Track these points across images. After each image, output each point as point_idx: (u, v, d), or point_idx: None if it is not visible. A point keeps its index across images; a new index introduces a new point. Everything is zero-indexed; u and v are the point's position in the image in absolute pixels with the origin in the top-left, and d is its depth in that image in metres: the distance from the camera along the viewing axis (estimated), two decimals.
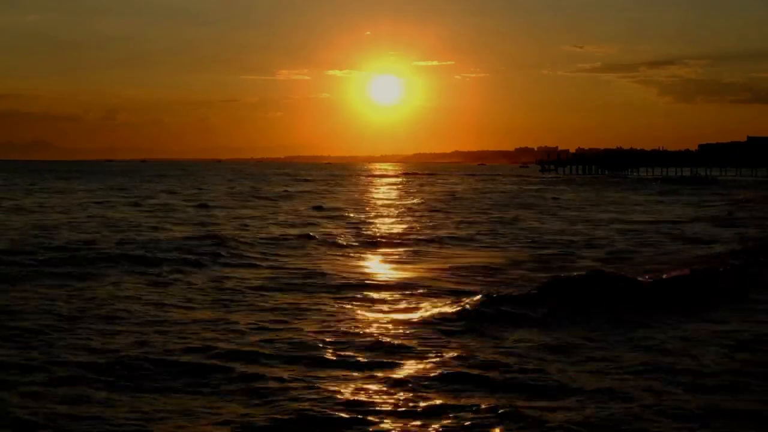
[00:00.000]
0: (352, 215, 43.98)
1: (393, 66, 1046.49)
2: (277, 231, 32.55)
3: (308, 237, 29.87)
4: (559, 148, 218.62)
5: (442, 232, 32.73)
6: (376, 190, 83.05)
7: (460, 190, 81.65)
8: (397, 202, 58.41)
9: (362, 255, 25.54)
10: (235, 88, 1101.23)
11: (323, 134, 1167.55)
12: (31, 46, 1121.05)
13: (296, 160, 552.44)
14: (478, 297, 16.18)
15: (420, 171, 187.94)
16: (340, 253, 25.70)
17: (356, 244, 28.59)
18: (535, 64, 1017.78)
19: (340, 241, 29.03)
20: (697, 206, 51.56)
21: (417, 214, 45.61)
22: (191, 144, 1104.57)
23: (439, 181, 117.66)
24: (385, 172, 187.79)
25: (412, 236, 31.43)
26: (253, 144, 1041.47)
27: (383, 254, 25.76)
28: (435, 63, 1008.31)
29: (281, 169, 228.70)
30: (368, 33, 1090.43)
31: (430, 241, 29.63)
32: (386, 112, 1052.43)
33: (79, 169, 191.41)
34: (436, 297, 17.04)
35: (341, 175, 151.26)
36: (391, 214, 45.68)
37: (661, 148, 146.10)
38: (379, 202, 58.59)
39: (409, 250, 26.63)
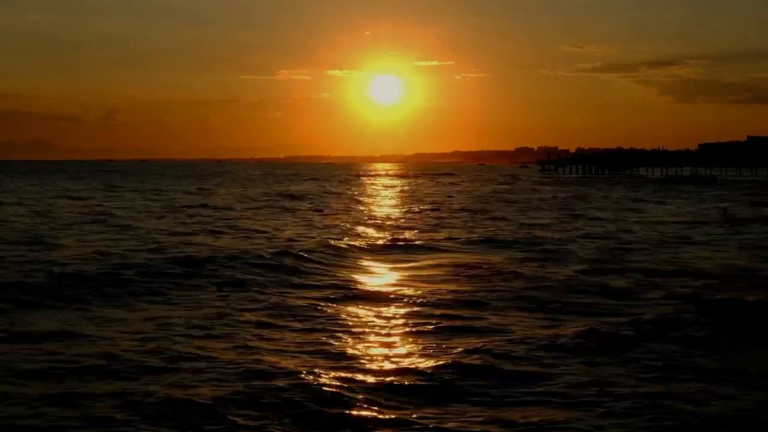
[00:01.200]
0: (425, 217, 42.84)
1: (393, 66, 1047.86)
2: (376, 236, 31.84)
3: (397, 241, 29.23)
4: (559, 148, 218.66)
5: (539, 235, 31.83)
6: (416, 192, 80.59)
7: (497, 191, 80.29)
8: (454, 205, 55.99)
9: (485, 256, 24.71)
10: (235, 88, 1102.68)
11: (323, 134, 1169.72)
12: (31, 46, 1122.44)
13: (296, 160, 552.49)
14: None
15: (434, 171, 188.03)
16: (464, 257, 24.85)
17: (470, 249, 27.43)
18: (535, 64, 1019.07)
19: (445, 246, 28.30)
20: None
21: (486, 216, 43.68)
22: (191, 144, 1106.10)
23: (462, 182, 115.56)
24: (400, 172, 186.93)
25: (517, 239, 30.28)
26: (253, 144, 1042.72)
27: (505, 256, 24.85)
28: (435, 63, 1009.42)
29: (292, 169, 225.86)
30: (368, 33, 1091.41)
31: (535, 244, 28.58)
32: (386, 112, 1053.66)
33: (84, 169, 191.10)
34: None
35: (362, 176, 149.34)
36: (463, 216, 43.88)
37: (661, 148, 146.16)
38: (434, 204, 55.58)
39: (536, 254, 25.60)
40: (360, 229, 35.14)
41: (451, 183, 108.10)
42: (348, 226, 36.61)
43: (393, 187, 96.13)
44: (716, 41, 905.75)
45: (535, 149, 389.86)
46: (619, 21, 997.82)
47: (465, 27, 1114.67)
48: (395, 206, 54.20)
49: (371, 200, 63.09)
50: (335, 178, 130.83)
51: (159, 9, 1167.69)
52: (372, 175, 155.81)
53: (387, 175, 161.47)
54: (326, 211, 47.57)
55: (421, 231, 34.14)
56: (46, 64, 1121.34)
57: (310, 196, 66.31)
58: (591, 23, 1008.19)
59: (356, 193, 77.21)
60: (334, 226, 36.10)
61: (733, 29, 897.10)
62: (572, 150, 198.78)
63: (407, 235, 32.13)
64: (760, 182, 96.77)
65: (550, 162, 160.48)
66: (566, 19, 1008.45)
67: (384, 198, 67.54)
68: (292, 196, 64.68)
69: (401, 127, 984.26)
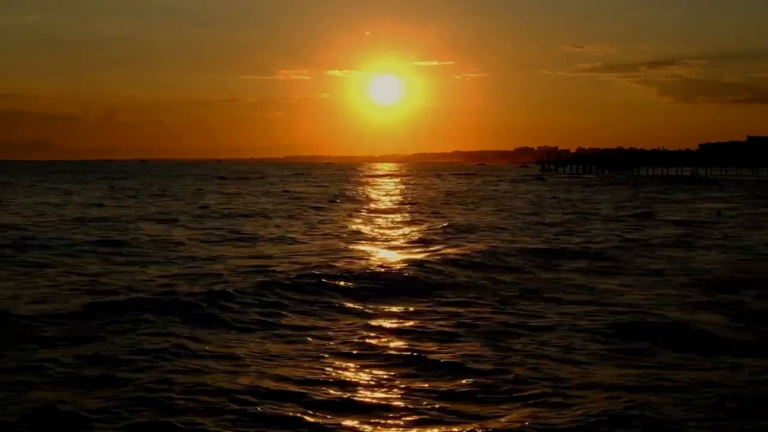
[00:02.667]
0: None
1: (393, 66, 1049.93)
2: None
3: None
4: (559, 148, 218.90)
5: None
6: (468, 190, 77.23)
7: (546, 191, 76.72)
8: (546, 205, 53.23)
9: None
10: (235, 88, 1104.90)
11: (323, 134, 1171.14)
12: (31, 46, 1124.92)
13: (296, 160, 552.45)
14: None
15: (452, 171, 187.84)
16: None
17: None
18: (535, 64, 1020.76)
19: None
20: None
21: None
22: (191, 144, 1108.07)
23: (498, 181, 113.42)
24: (413, 172, 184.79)
25: None
26: (253, 144, 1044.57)
27: None
28: (435, 63, 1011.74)
29: (301, 169, 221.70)
30: (368, 33, 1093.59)
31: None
32: (386, 112, 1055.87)
33: (89, 169, 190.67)
34: None
35: (385, 177, 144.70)
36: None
37: (661, 148, 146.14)
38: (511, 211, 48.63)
39: None
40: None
41: (497, 182, 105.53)
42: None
43: (438, 186, 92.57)
44: (716, 41, 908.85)
45: (535, 149, 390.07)
46: (619, 21, 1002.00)
47: (465, 27, 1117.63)
48: (493, 207, 50.52)
49: (449, 204, 56.46)
50: (354, 178, 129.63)
51: (159, 9, 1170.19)
52: (393, 176, 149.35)
53: (405, 175, 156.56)
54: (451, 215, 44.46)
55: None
56: (46, 64, 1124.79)
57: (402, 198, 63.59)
58: (591, 23, 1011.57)
59: (422, 194, 72.90)
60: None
61: (733, 29, 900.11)
62: (572, 150, 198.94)
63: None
64: (760, 182, 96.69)
65: (551, 162, 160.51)
66: (566, 19, 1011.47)
67: (461, 199, 62.85)
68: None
69: (401, 127, 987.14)
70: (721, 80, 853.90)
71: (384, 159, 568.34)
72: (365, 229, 34.75)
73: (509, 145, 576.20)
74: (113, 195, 64.61)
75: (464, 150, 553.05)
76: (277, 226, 35.34)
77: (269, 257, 23.73)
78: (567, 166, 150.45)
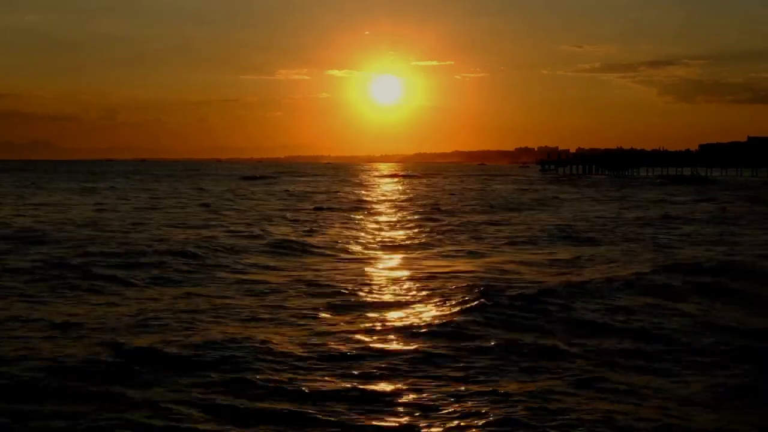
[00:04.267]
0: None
1: (393, 66, 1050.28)
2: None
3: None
4: (559, 148, 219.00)
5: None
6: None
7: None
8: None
9: None
10: (235, 88, 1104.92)
11: (323, 134, 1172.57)
12: (31, 46, 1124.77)
13: (296, 160, 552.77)
14: None
15: (476, 172, 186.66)
16: None
17: None
18: (535, 64, 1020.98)
19: None
20: None
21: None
22: (191, 144, 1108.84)
23: (509, 180, 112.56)
24: (429, 173, 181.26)
25: None
26: (253, 144, 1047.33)
27: None
28: (434, 63, 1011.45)
29: (327, 171, 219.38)
30: (368, 33, 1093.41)
31: None
32: (386, 112, 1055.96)
33: (94, 170, 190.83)
34: None
35: (409, 177, 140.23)
36: None
37: (661, 148, 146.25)
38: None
39: None
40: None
41: (527, 184, 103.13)
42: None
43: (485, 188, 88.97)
44: (716, 41, 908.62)
45: (536, 149, 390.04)
46: (619, 21, 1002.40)
47: (465, 27, 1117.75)
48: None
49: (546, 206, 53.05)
50: (378, 178, 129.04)
51: (159, 9, 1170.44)
52: (414, 177, 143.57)
53: (423, 176, 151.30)
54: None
55: None
56: (46, 64, 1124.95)
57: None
58: (590, 23, 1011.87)
59: (479, 195, 70.13)
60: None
61: (733, 29, 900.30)
62: (572, 150, 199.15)
63: None
64: (762, 182, 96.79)
65: (551, 162, 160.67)
66: (566, 19, 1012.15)
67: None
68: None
69: (401, 127, 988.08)
70: (721, 80, 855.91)
71: (384, 159, 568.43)
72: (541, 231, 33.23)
73: (509, 145, 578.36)
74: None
75: (464, 150, 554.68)
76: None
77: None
78: (567, 166, 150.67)
